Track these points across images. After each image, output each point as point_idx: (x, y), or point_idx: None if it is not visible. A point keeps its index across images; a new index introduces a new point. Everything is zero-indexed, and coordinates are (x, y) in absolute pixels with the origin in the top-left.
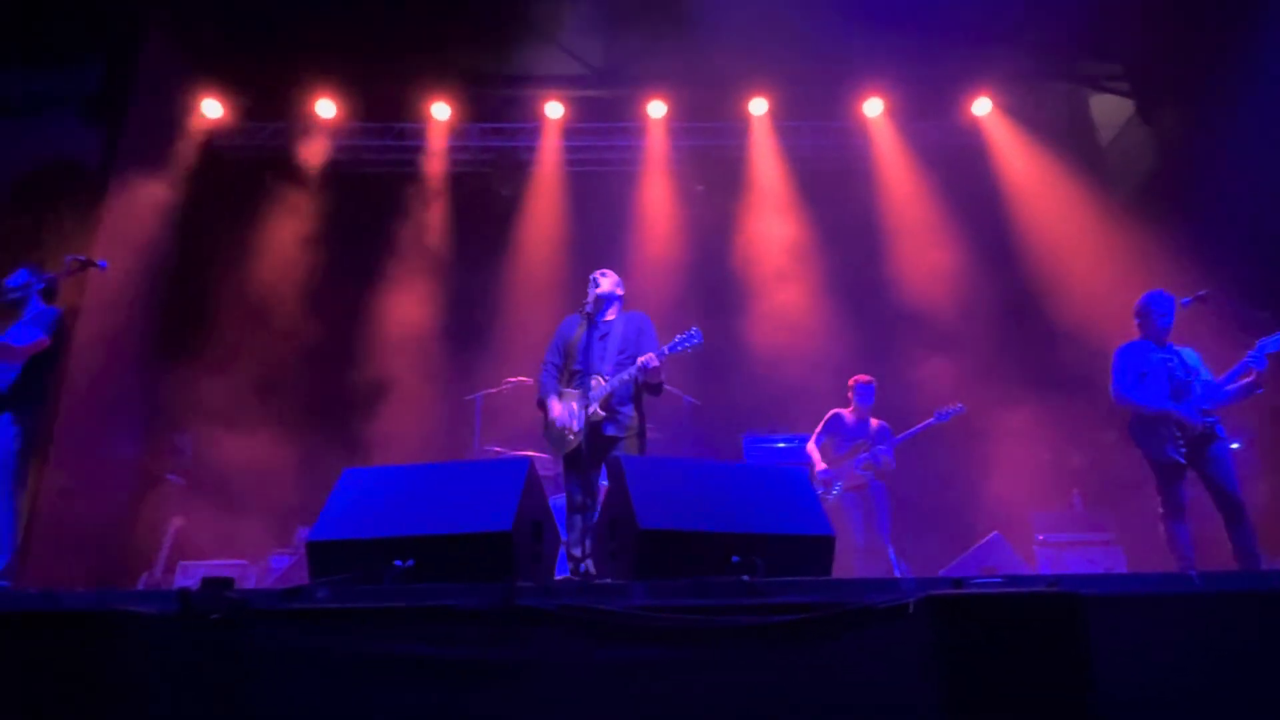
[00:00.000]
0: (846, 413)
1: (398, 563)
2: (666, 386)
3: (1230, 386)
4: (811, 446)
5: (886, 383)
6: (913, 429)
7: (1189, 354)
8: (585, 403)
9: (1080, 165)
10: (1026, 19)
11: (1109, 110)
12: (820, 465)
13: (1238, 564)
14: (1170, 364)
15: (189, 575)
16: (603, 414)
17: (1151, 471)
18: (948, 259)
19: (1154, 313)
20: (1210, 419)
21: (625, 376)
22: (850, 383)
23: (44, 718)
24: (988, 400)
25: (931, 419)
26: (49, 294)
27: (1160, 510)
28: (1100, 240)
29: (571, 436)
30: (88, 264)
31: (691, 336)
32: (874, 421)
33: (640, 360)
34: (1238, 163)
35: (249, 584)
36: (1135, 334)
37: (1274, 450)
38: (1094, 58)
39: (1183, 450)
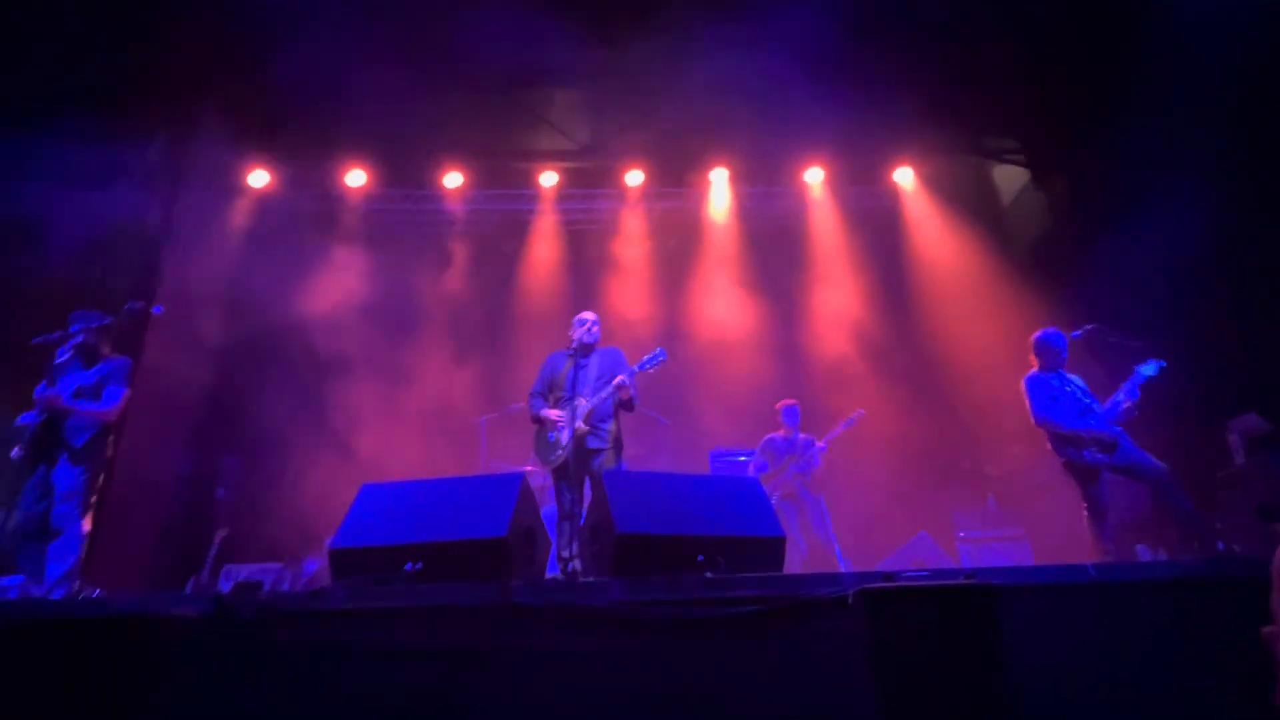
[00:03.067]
0: (778, 434)
1: (408, 566)
2: (645, 410)
3: (1122, 406)
4: (752, 471)
5: (826, 407)
6: (830, 434)
7: (1079, 380)
8: (573, 420)
9: (984, 224)
10: (942, 102)
11: (1009, 178)
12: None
13: (1176, 527)
14: (1072, 390)
15: (232, 578)
16: (587, 429)
17: (1073, 477)
18: (877, 301)
19: (1054, 348)
20: (1115, 430)
21: (604, 395)
22: (777, 406)
23: (93, 709)
24: (915, 420)
25: (839, 426)
26: (112, 339)
27: (1085, 512)
28: (998, 290)
29: (560, 451)
30: (145, 310)
31: (657, 356)
32: (801, 436)
33: (616, 380)
34: (1113, 221)
35: (284, 586)
36: (1031, 367)
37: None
38: (996, 134)
39: (1100, 456)
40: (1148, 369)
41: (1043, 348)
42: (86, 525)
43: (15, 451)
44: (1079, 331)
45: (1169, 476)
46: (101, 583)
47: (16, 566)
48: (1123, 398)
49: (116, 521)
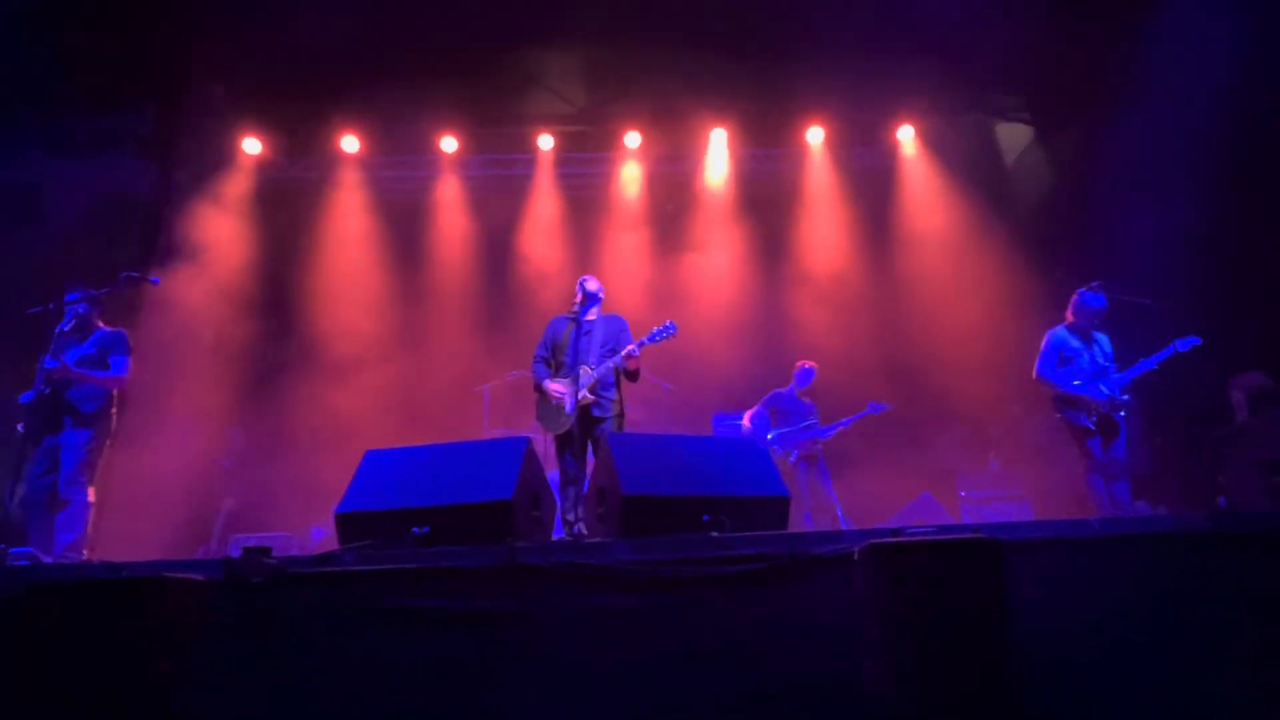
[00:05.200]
0: (786, 391)
1: (415, 529)
2: (646, 375)
3: (1140, 373)
4: (747, 419)
5: (826, 372)
6: (848, 419)
7: (1106, 341)
8: (576, 388)
9: (986, 183)
10: (945, 59)
11: (1012, 136)
12: (747, 428)
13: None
14: (1092, 352)
15: (239, 547)
16: (591, 398)
17: (1071, 434)
18: (879, 263)
19: (1090, 307)
20: (1124, 398)
21: (609, 365)
22: (798, 364)
23: (106, 672)
24: (917, 382)
25: (864, 410)
26: (101, 309)
27: (1084, 465)
28: (1000, 250)
29: (564, 418)
30: (141, 280)
31: (667, 328)
32: (808, 401)
33: (624, 351)
34: (1119, 177)
35: (292, 553)
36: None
37: (1150, 420)
38: (1000, 91)
39: (1094, 420)
40: (1182, 344)
41: (1079, 305)
42: (91, 495)
43: (20, 426)
44: (1085, 288)
45: (1124, 473)
46: (110, 553)
47: (26, 537)
48: (1144, 366)
49: (122, 493)
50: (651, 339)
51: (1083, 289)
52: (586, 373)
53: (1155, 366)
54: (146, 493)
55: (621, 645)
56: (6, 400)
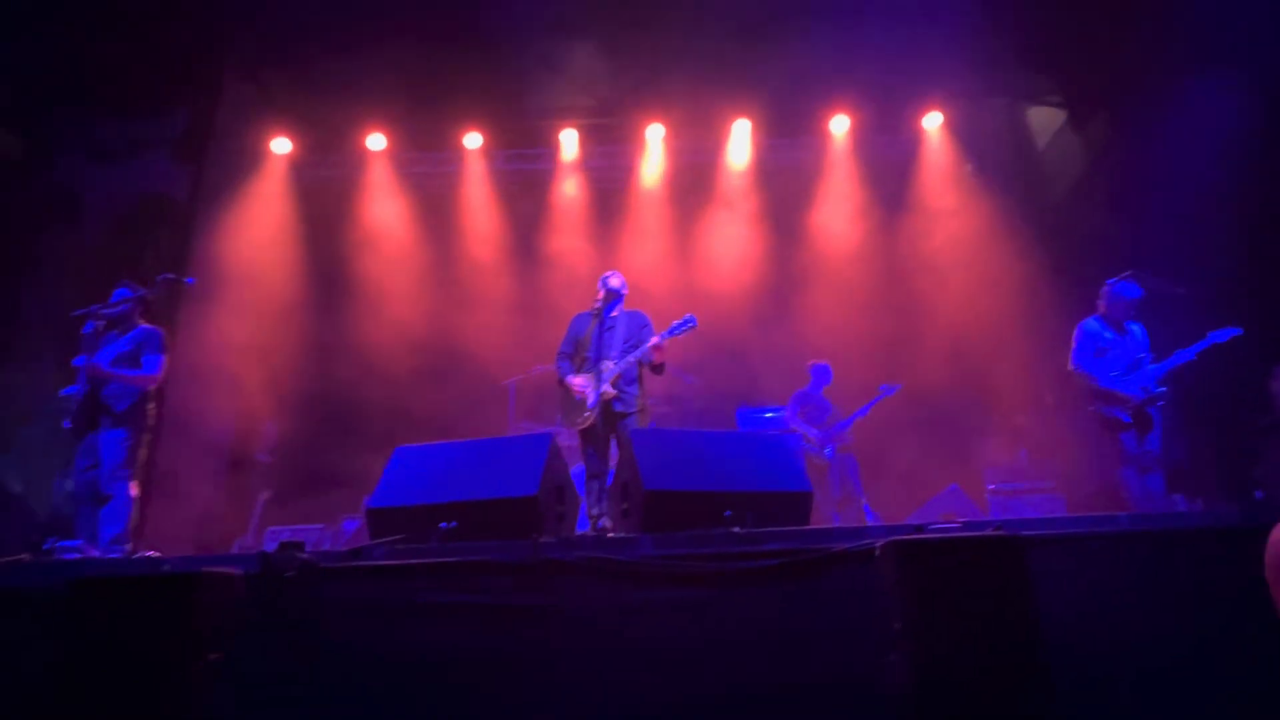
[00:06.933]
0: (811, 390)
1: (443, 524)
2: (670, 369)
3: (1177, 365)
4: (793, 416)
5: (855, 364)
6: (865, 406)
7: (1141, 331)
8: (598, 383)
9: (1017, 169)
10: (974, 41)
11: (1043, 121)
12: (813, 430)
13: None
14: (1126, 343)
15: (275, 539)
16: (613, 392)
17: (1105, 427)
18: (908, 253)
19: (1123, 298)
20: (1159, 390)
21: (631, 359)
22: (812, 364)
23: (147, 665)
24: (945, 373)
25: (877, 396)
26: (146, 309)
27: (1117, 459)
28: (1031, 237)
29: (586, 413)
30: (178, 281)
31: (687, 321)
32: (828, 399)
33: (651, 343)
34: (1156, 163)
35: (325, 545)
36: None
37: (1188, 411)
38: (1031, 73)
39: (1130, 413)
40: (1220, 335)
41: (1111, 296)
42: (134, 490)
43: (66, 422)
44: (1118, 278)
45: (1158, 466)
46: (152, 546)
47: (75, 530)
48: (1181, 357)
49: (163, 487)
50: (671, 333)
51: (1113, 279)
52: (609, 367)
53: (1193, 358)
54: (186, 486)
55: (643, 639)
56: (52, 397)
